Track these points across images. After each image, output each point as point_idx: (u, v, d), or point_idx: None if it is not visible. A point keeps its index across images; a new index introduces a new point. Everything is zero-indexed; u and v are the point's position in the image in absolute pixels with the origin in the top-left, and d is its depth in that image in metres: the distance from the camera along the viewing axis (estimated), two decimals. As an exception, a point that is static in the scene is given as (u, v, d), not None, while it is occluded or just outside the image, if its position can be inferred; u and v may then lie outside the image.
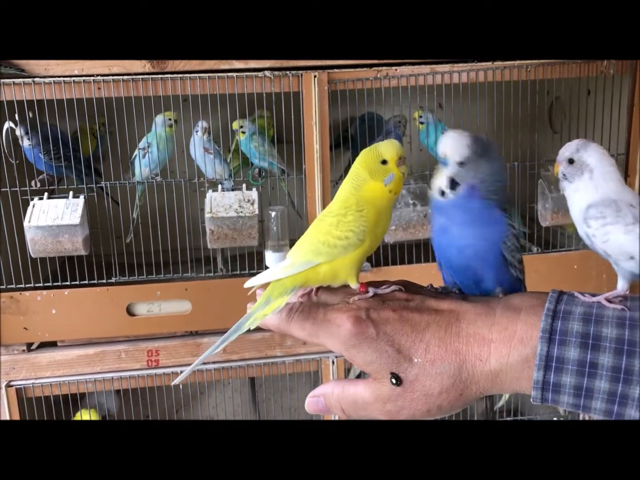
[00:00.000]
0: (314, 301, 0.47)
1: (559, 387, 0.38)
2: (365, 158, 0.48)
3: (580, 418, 1.31)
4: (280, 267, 0.47)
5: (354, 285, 0.47)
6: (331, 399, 0.46)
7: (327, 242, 0.46)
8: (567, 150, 0.48)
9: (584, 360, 0.37)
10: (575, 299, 0.40)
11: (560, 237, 1.33)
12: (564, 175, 0.48)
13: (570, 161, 0.47)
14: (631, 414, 0.37)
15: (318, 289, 0.49)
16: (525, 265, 0.49)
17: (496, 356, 0.40)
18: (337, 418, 1.26)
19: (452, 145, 0.45)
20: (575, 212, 0.48)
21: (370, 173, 0.47)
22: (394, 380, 0.42)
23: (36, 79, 1.05)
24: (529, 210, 1.28)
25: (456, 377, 0.41)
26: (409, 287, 0.47)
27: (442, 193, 0.46)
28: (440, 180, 0.46)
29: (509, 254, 0.46)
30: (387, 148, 0.47)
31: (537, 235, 1.29)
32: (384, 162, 0.47)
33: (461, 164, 0.45)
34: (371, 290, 0.46)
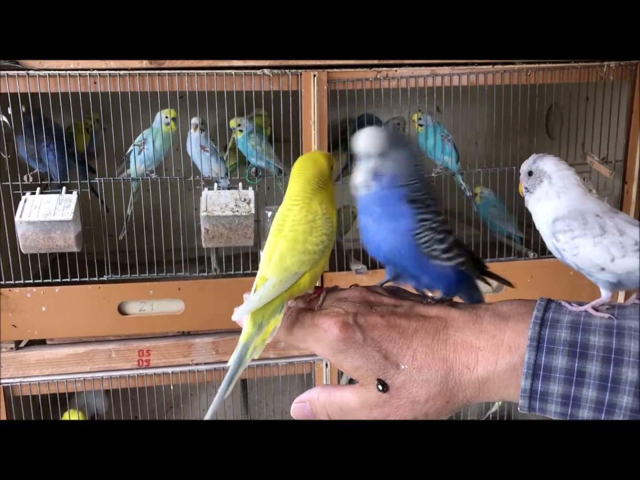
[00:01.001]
0: (302, 307, 0.46)
1: (546, 396, 0.38)
2: (315, 166, 0.50)
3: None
4: (268, 288, 0.46)
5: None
6: (317, 405, 0.45)
7: (307, 250, 0.47)
8: (525, 165, 0.50)
9: (571, 369, 0.37)
10: (563, 307, 0.40)
11: (556, 243, 1.32)
12: (526, 188, 0.49)
13: (530, 173, 0.48)
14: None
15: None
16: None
17: (484, 364, 0.40)
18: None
19: (372, 139, 0.46)
20: (543, 225, 0.49)
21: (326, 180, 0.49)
22: (380, 387, 0.41)
23: (30, 72, 1.03)
24: (526, 216, 1.27)
25: (443, 384, 0.41)
26: (397, 293, 0.47)
27: (366, 186, 0.47)
28: (361, 175, 0.47)
29: (423, 247, 0.46)
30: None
31: (534, 240, 1.28)
32: (331, 168, 0.50)
33: (380, 154, 0.46)
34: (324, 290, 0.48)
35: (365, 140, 0.47)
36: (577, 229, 0.47)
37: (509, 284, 0.55)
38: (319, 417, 0.46)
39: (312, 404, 0.46)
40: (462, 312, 0.43)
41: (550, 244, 0.48)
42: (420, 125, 1.21)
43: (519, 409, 0.39)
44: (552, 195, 0.47)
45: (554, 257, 1.28)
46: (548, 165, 0.49)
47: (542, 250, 1.29)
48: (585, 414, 0.37)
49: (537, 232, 1.31)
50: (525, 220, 1.29)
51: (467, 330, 0.41)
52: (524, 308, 0.41)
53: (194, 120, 1.15)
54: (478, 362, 0.40)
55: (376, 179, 0.46)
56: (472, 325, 0.41)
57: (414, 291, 0.49)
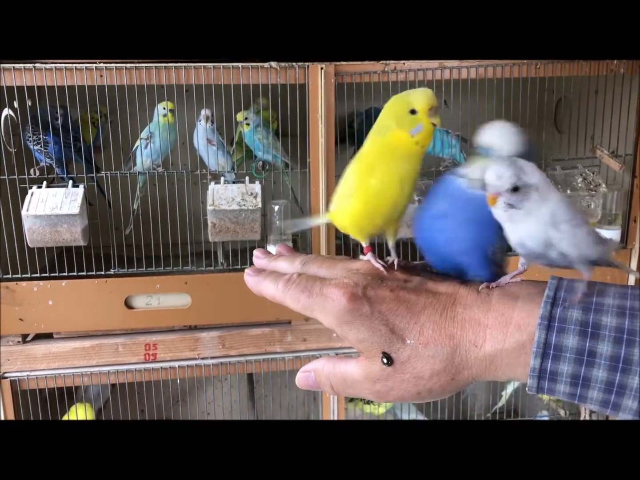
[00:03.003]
0: (312, 274, 0.45)
1: (555, 376, 0.37)
2: (392, 106, 0.45)
3: (582, 418, 1.30)
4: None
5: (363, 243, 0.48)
6: (321, 375, 0.45)
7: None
8: (504, 180, 0.45)
9: (582, 349, 0.36)
10: (575, 287, 0.39)
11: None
12: (510, 205, 0.46)
13: (515, 189, 0.45)
14: (628, 404, 0.36)
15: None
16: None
17: (491, 342, 0.39)
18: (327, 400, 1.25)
19: (510, 138, 0.43)
20: (532, 230, 0.46)
21: (397, 122, 0.44)
22: (385, 360, 0.41)
23: (37, 65, 1.03)
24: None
25: (449, 361, 0.40)
26: (409, 269, 0.46)
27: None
28: (492, 174, 0.43)
29: (492, 255, 0.46)
30: (418, 97, 0.44)
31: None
32: (413, 111, 0.44)
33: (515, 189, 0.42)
34: (369, 256, 0.46)
35: (502, 139, 0.44)
36: (576, 219, 0.46)
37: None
38: (323, 388, 0.45)
39: (316, 374, 0.45)
40: (471, 290, 0.42)
41: (541, 239, 0.45)
42: None
43: (527, 389, 0.39)
44: (540, 202, 0.45)
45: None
46: (534, 177, 0.46)
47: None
48: (594, 394, 0.37)
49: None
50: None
51: (475, 308, 0.40)
52: (534, 289, 0.41)
53: (204, 112, 1.14)
54: (486, 340, 0.39)
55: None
56: (481, 303, 0.41)
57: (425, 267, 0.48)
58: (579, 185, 1.19)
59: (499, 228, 0.45)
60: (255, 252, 0.50)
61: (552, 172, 1.21)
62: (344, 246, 1.24)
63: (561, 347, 0.37)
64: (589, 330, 0.36)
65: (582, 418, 1.34)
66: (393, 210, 0.47)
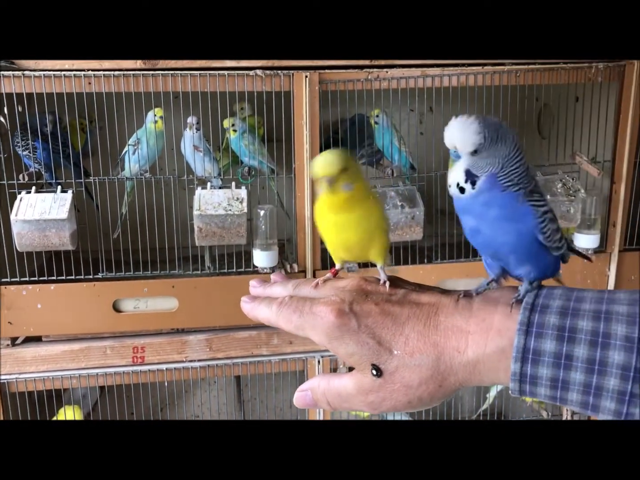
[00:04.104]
0: (302, 295, 0.48)
1: (535, 379, 0.38)
2: None
3: (564, 418, 1.32)
4: None
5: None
6: (317, 393, 0.47)
7: None
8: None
9: (559, 353, 0.38)
10: (554, 293, 0.40)
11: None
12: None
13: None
14: (606, 405, 0.37)
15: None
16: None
17: (473, 347, 0.41)
18: (322, 412, 1.26)
19: (460, 134, 0.41)
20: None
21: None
22: (374, 372, 0.43)
23: (26, 72, 1.05)
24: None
25: (434, 368, 0.42)
26: (394, 282, 0.48)
27: (462, 190, 0.43)
28: (455, 175, 0.43)
29: (546, 241, 0.43)
30: (313, 167, 0.48)
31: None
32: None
33: (474, 152, 0.41)
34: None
35: (456, 136, 0.41)
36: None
37: (588, 259, 0.53)
38: (320, 405, 0.47)
39: (313, 392, 0.47)
40: (453, 298, 0.44)
41: None
42: (376, 123, 1.22)
43: (510, 392, 0.40)
44: None
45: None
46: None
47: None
48: (574, 397, 0.38)
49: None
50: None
51: (457, 316, 0.42)
52: (514, 294, 0.42)
53: (190, 120, 1.16)
54: (468, 346, 0.41)
55: (482, 177, 0.42)
56: (462, 310, 0.42)
57: (409, 280, 0.50)
58: (559, 190, 1.22)
59: (538, 212, 0.43)
60: (251, 282, 0.52)
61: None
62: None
63: (540, 351, 0.38)
64: (566, 334, 0.38)
65: (564, 419, 1.36)
66: (351, 248, 0.51)
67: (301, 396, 0.48)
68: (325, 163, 0.46)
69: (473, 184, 0.42)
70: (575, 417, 1.33)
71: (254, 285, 0.52)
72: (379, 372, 0.43)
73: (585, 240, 1.25)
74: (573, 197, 1.20)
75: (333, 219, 0.49)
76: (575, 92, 1.24)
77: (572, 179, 1.23)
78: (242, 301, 0.50)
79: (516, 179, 0.42)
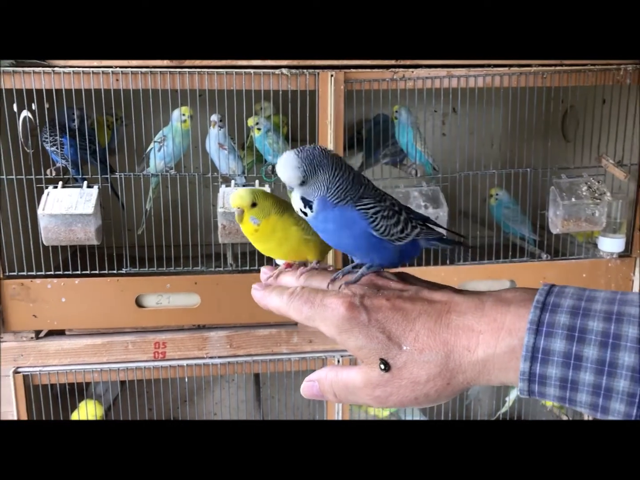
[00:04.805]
0: (314, 287, 0.48)
1: (544, 379, 0.38)
2: None
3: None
4: None
5: None
6: (325, 384, 0.47)
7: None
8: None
9: (569, 352, 0.37)
10: (565, 292, 0.40)
11: (569, 246, 1.33)
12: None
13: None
14: (616, 407, 0.37)
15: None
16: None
17: (484, 347, 0.40)
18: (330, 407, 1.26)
19: (285, 171, 0.48)
20: None
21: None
22: (382, 366, 0.43)
23: (56, 69, 1.06)
24: (539, 218, 1.28)
25: (443, 365, 0.42)
26: (406, 278, 0.48)
27: (305, 214, 0.50)
28: (296, 203, 0.50)
29: (382, 236, 0.50)
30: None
31: (547, 242, 1.29)
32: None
33: (302, 183, 0.48)
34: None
35: (283, 174, 0.48)
36: None
37: (460, 243, 0.59)
38: (326, 396, 0.47)
39: (320, 383, 0.47)
40: (466, 297, 0.44)
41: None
42: (396, 118, 1.23)
43: (518, 392, 0.40)
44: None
45: (566, 258, 1.29)
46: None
47: (555, 252, 1.30)
48: (583, 398, 0.37)
49: (550, 234, 1.32)
50: (539, 222, 1.29)
51: (469, 315, 0.42)
52: (527, 295, 0.42)
53: (214, 117, 1.17)
54: (479, 345, 0.41)
55: (309, 203, 0.49)
56: (475, 310, 0.42)
57: (422, 277, 0.51)
58: (584, 193, 1.20)
59: (367, 216, 0.50)
60: (262, 268, 0.53)
61: (557, 180, 1.23)
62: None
63: (549, 350, 0.38)
64: (576, 334, 0.37)
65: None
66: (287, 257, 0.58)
67: (308, 386, 0.48)
68: (236, 196, 0.55)
69: (310, 207, 0.49)
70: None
71: (265, 272, 0.53)
72: (387, 366, 0.43)
73: (610, 244, 1.24)
74: (599, 201, 1.19)
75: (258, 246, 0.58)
76: (602, 94, 1.23)
77: (598, 182, 1.21)
78: (252, 288, 0.50)
79: (342, 194, 0.49)
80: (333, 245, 0.53)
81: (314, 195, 0.49)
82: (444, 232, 0.60)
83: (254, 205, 0.55)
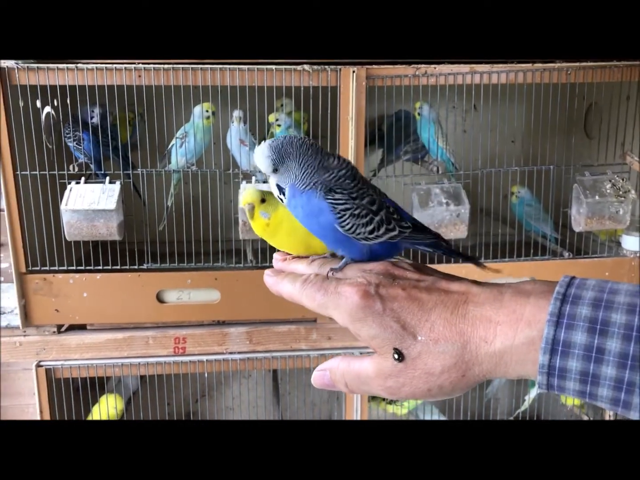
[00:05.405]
0: (329, 275, 0.48)
1: (564, 372, 0.37)
2: None
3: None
4: None
5: None
6: (336, 373, 0.46)
7: None
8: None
9: (590, 345, 0.36)
10: (587, 284, 0.39)
11: (592, 244, 1.32)
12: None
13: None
14: (638, 401, 0.36)
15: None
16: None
17: (501, 338, 0.39)
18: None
19: (259, 160, 0.51)
20: None
21: None
22: (396, 356, 0.42)
23: (79, 65, 1.06)
24: (562, 216, 1.27)
25: (459, 357, 0.41)
26: (423, 269, 0.48)
27: (281, 200, 0.52)
28: (273, 190, 0.53)
29: (347, 233, 0.50)
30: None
31: (569, 240, 1.27)
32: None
33: (275, 171, 0.50)
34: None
35: (257, 162, 0.51)
36: None
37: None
38: (337, 386, 0.47)
39: (331, 372, 0.47)
40: (484, 288, 0.43)
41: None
42: (419, 114, 1.22)
43: (537, 386, 0.39)
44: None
45: (589, 257, 1.27)
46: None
47: (577, 251, 1.29)
48: (604, 392, 0.36)
49: (572, 233, 1.30)
50: (561, 220, 1.28)
51: (487, 306, 0.41)
52: (547, 287, 0.41)
53: (236, 113, 1.17)
54: (496, 336, 0.40)
55: (282, 190, 0.51)
56: (493, 301, 0.41)
57: (438, 268, 0.50)
58: (608, 191, 1.19)
59: (335, 209, 0.51)
60: (275, 255, 0.54)
61: (580, 177, 1.21)
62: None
63: (570, 343, 0.37)
64: (598, 327, 0.36)
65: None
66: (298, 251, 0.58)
67: (319, 375, 0.48)
68: (246, 194, 0.58)
69: (284, 194, 0.51)
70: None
71: (277, 259, 0.53)
72: (401, 356, 0.42)
73: (634, 243, 1.22)
74: (623, 198, 1.18)
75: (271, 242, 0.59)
76: (628, 90, 1.21)
77: (622, 180, 1.20)
78: (265, 274, 0.50)
79: (308, 180, 0.50)
80: (310, 231, 0.54)
81: (285, 182, 0.51)
82: (446, 239, 0.59)
83: (263, 201, 0.57)
